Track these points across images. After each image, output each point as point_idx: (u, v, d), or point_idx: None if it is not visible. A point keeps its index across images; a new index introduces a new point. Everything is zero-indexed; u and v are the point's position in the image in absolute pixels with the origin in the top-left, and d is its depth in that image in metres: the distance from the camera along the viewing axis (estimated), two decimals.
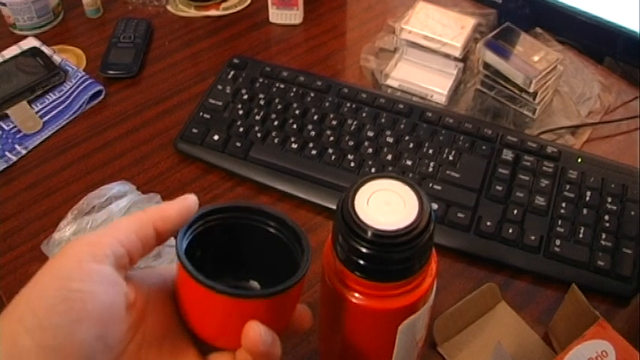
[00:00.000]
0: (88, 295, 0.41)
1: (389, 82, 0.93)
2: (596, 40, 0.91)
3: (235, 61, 0.93)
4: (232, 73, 0.91)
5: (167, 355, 0.47)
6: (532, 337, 0.69)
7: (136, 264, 0.47)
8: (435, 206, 0.76)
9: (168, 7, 1.09)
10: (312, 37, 1.03)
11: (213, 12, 1.08)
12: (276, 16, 1.04)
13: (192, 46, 1.02)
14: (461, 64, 0.92)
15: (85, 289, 0.42)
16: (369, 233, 0.45)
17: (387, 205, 0.47)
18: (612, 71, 1.00)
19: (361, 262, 0.47)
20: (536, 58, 0.87)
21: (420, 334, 0.55)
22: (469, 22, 0.92)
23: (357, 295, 0.50)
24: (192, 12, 1.08)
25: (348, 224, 0.46)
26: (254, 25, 1.06)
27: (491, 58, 0.88)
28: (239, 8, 1.09)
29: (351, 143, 0.81)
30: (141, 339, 0.46)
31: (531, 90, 0.86)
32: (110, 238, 0.45)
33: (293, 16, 1.04)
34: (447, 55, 0.92)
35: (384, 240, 0.45)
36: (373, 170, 0.79)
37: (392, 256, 0.46)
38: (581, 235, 0.74)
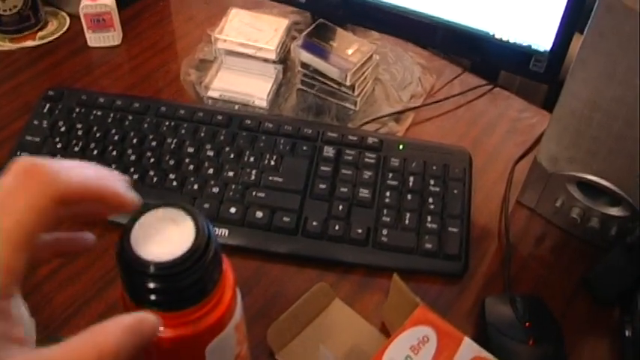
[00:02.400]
0: None
1: (210, 93, 0.92)
2: (409, 32, 0.91)
3: (50, 93, 0.89)
4: (48, 106, 0.88)
5: None
6: (368, 330, 0.69)
7: None
8: (259, 214, 0.75)
9: None
10: (133, 56, 1.01)
11: (29, 43, 1.04)
12: (94, 39, 1.02)
13: (10, 81, 0.98)
14: (280, 66, 0.93)
15: None
16: (151, 268, 0.45)
17: (162, 234, 0.46)
18: (435, 54, 1.02)
19: (152, 297, 0.47)
20: (350, 52, 0.88)
21: (234, 350, 0.54)
22: (282, 24, 0.93)
23: (159, 328, 0.49)
24: (7, 45, 1.04)
25: (130, 265, 0.46)
26: (73, 52, 1.02)
27: (307, 57, 0.89)
28: (56, 35, 1.05)
29: (171, 162, 0.80)
30: None
31: (348, 83, 0.87)
32: None
33: (111, 38, 1.02)
34: (265, 59, 0.92)
35: (165, 271, 0.45)
36: (196, 187, 0.78)
37: (178, 285, 0.46)
38: (407, 222, 0.76)
